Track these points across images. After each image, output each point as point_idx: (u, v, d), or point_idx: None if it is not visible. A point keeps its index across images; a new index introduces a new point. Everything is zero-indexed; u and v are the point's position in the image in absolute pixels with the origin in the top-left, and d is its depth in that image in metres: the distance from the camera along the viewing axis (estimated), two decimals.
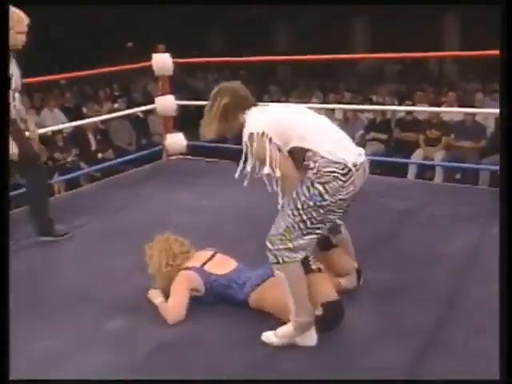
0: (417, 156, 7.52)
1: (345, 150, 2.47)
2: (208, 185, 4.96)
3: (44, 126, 8.51)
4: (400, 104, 8.96)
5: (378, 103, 9.01)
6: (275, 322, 2.64)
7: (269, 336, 2.56)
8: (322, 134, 2.51)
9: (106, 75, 10.21)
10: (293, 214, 2.43)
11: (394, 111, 8.38)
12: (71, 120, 8.89)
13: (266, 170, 2.43)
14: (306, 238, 2.45)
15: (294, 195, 2.44)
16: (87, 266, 3.46)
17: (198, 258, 2.94)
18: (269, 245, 2.47)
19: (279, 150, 2.45)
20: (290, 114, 2.61)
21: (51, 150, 7.73)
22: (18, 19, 3.40)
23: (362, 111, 8.57)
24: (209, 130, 2.62)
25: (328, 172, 2.40)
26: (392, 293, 2.96)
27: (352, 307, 2.83)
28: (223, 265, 2.90)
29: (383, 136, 7.98)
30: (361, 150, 2.57)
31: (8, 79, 2.29)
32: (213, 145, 6.32)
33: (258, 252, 2.82)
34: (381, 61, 13.49)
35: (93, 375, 2.42)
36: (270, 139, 2.42)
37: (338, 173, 2.41)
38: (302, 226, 2.43)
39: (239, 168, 2.52)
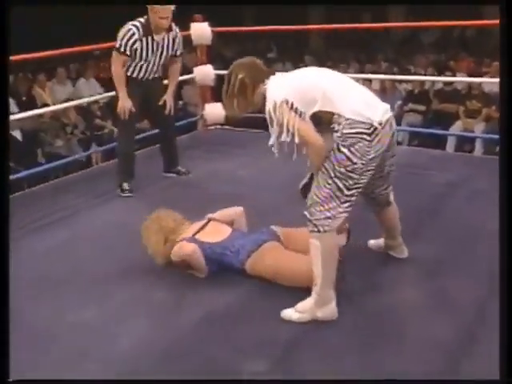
0: (456, 128, 7.38)
1: (370, 109, 2.45)
2: (245, 155, 4.96)
3: (80, 96, 8.65)
4: (439, 75, 8.78)
5: (416, 73, 8.79)
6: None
7: (288, 313, 2.54)
8: (345, 95, 2.48)
9: None
10: (328, 183, 2.44)
11: (433, 82, 8.18)
12: (107, 90, 8.95)
13: (284, 136, 2.42)
14: (344, 205, 2.47)
15: (325, 164, 2.44)
16: (130, 235, 3.50)
17: (191, 229, 2.97)
18: (308, 215, 2.49)
19: (300, 115, 2.42)
20: (311, 77, 2.57)
21: (89, 119, 7.81)
22: (163, 7, 3.85)
23: (400, 81, 8.39)
24: (230, 108, 2.62)
25: (352, 133, 2.40)
26: (436, 267, 2.94)
27: (396, 281, 2.82)
28: (216, 233, 2.92)
29: (421, 107, 7.83)
30: (387, 106, 2.54)
31: (7, 78, 2.31)
32: (249, 115, 6.31)
33: (294, 222, 2.86)
34: (416, 29, 13.13)
35: (137, 348, 2.42)
36: (292, 105, 2.41)
37: (364, 133, 2.40)
38: (338, 194, 2.44)
39: (272, 138, 2.50)
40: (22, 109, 7.81)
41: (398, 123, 7.62)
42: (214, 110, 5.40)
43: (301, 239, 2.76)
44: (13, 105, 7.82)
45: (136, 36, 3.91)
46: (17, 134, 7.09)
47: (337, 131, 2.42)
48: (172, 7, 3.90)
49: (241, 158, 4.88)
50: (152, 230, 2.96)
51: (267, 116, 2.47)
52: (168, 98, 4.27)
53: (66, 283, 2.95)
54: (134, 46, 3.93)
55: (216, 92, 5.78)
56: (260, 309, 2.66)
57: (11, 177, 4.62)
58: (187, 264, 2.87)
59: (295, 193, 3.78)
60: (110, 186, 4.24)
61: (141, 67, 4.05)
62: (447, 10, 10.48)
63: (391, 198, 2.85)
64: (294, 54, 12.23)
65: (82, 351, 2.43)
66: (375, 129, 2.41)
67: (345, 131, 2.40)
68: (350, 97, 2.48)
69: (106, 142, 7.57)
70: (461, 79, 7.74)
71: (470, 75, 8.16)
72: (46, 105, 8.02)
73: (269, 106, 2.45)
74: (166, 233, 2.94)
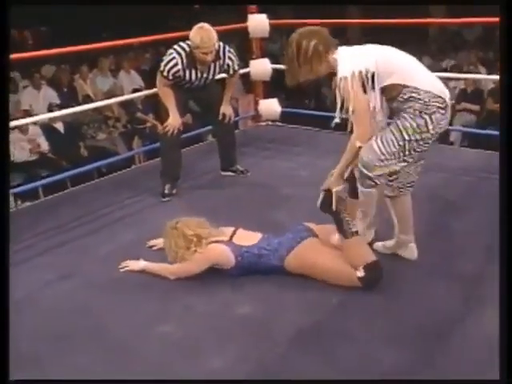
0: None
1: (442, 85, 2.59)
2: (304, 154, 4.73)
3: (122, 88, 8.51)
4: (489, 73, 8.46)
5: (467, 71, 8.43)
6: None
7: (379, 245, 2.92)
8: (420, 70, 2.61)
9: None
10: (398, 144, 2.55)
11: (486, 80, 7.86)
12: (147, 83, 8.78)
13: (350, 109, 2.52)
14: (400, 164, 2.62)
15: (400, 125, 2.54)
16: None
17: (223, 233, 2.85)
18: (365, 170, 2.61)
19: (373, 87, 2.52)
20: (387, 50, 2.64)
21: (131, 112, 7.65)
22: (201, 41, 3.64)
23: (450, 79, 8.07)
24: (302, 73, 2.59)
25: (432, 105, 2.51)
26: None
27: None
28: (248, 237, 2.85)
29: (475, 107, 7.53)
30: None
31: (8, 78, 2.14)
32: (300, 111, 6.08)
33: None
34: (458, 26, 12.78)
35: (227, 368, 2.19)
36: (373, 76, 2.50)
37: (440, 106, 2.53)
38: (401, 154, 2.58)
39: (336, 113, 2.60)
40: (64, 100, 7.73)
41: (450, 123, 7.31)
42: (270, 106, 5.18)
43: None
44: (55, 96, 7.71)
45: (179, 66, 3.77)
46: (59, 127, 6.95)
47: (420, 99, 2.50)
48: (214, 40, 3.70)
49: (300, 157, 4.65)
50: (172, 238, 2.83)
51: (338, 89, 2.54)
52: (225, 108, 4.12)
53: (139, 292, 2.75)
54: (177, 74, 3.80)
55: (270, 87, 5.60)
56: (352, 324, 2.44)
57: (56, 176, 4.47)
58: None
59: None
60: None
61: (187, 83, 3.90)
62: (488, 6, 10.11)
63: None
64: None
65: (164, 368, 2.22)
66: (447, 105, 2.56)
67: (427, 101, 2.51)
68: (425, 74, 2.61)
69: (149, 136, 7.45)
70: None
71: None
72: (87, 96, 7.89)
73: (342, 75, 2.51)
74: (188, 240, 2.79)
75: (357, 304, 2.56)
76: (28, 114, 6.91)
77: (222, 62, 3.90)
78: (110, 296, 2.73)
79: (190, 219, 2.87)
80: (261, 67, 5.08)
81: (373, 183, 2.65)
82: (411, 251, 2.90)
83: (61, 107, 7.11)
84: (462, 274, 2.78)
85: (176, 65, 3.76)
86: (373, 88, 2.54)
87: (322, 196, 2.76)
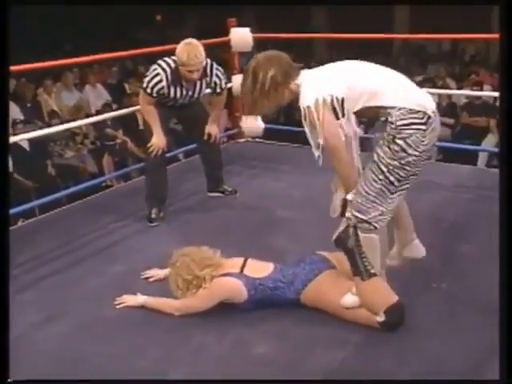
0: (488, 142, 7.07)
1: (421, 97, 2.33)
2: (291, 172, 4.53)
3: (88, 103, 8.19)
4: (459, 87, 8.54)
5: (440, 86, 8.43)
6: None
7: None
8: (392, 86, 2.34)
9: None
10: (379, 179, 2.32)
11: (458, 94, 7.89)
12: (114, 97, 8.50)
13: (321, 141, 2.30)
14: (394, 195, 2.36)
15: (376, 158, 2.32)
16: None
17: (233, 264, 2.61)
18: (359, 215, 2.35)
19: (343, 115, 2.30)
20: (351, 72, 2.40)
21: (100, 128, 7.33)
22: (188, 57, 3.41)
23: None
24: (258, 107, 2.41)
25: (407, 124, 2.27)
26: None
27: None
28: (260, 268, 2.63)
29: (449, 120, 7.53)
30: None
31: (8, 79, 1.99)
32: (282, 127, 5.91)
33: None
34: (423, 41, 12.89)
35: None
36: (338, 101, 2.28)
37: (418, 123, 2.27)
38: (390, 187, 2.34)
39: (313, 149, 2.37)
40: (28, 116, 7.35)
41: None
42: (254, 123, 4.98)
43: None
44: (18, 112, 7.31)
45: (163, 83, 3.54)
46: (24, 144, 6.57)
47: (391, 123, 2.27)
48: (202, 57, 3.49)
49: (288, 176, 4.45)
50: (174, 276, 2.58)
51: (303, 114, 2.31)
52: (211, 127, 3.90)
53: (141, 332, 2.49)
54: (161, 92, 3.58)
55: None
56: (383, 363, 2.25)
57: (28, 205, 4.10)
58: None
59: None
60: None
61: (171, 101, 3.68)
62: (454, 22, 10.22)
63: None
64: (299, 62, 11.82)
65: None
66: (429, 117, 2.28)
67: (399, 123, 2.26)
68: (399, 88, 2.34)
69: (118, 153, 7.17)
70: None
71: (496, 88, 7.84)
72: (53, 111, 7.54)
73: (305, 104, 2.29)
74: (191, 282, 2.54)
75: (382, 340, 2.37)
76: None
77: (208, 79, 3.69)
78: (108, 339, 2.45)
79: (194, 254, 2.58)
80: None
81: (371, 227, 2.37)
82: (417, 248, 2.65)
83: (25, 123, 6.75)
84: (481, 301, 2.62)
85: (160, 81, 3.53)
86: (343, 115, 2.31)
87: (340, 229, 2.46)
